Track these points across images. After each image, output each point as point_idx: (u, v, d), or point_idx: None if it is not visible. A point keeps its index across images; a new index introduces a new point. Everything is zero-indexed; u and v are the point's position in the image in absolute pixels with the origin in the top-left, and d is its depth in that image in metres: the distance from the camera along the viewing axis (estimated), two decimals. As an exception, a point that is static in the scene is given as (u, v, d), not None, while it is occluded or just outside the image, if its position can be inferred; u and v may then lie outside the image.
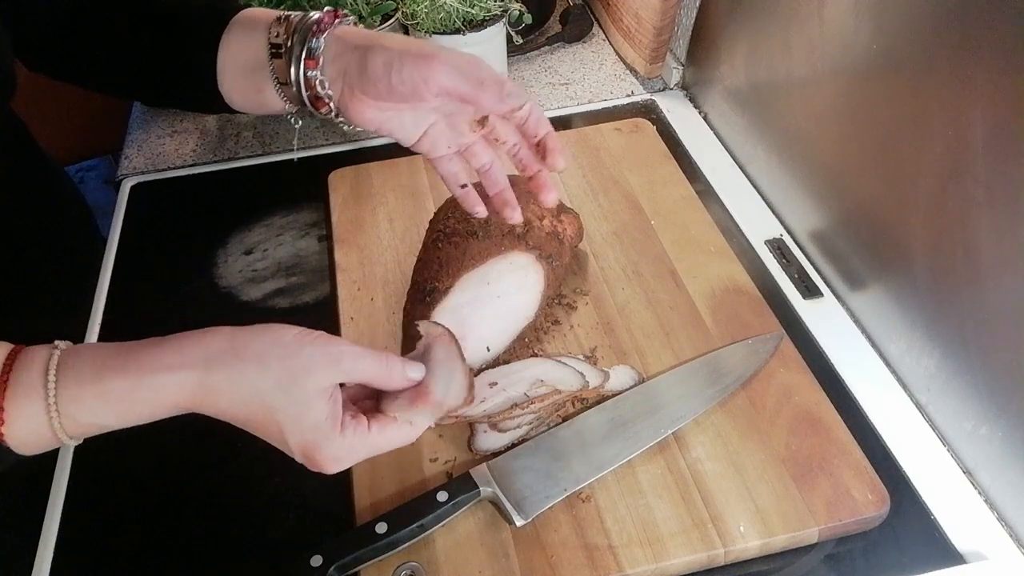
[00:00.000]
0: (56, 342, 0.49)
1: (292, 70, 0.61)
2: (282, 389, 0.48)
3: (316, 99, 0.62)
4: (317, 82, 0.61)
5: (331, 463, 0.51)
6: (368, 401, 0.55)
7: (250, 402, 0.49)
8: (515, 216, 0.65)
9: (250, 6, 0.89)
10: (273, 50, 0.62)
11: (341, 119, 0.63)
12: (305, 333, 0.51)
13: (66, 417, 0.47)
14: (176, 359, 0.48)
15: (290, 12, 0.63)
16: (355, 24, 0.63)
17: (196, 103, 0.72)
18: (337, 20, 0.61)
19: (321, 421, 0.49)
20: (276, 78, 0.63)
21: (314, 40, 0.60)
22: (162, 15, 0.68)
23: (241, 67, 0.65)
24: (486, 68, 0.57)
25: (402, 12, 0.96)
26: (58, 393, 0.47)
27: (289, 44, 0.61)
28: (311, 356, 0.49)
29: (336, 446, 0.50)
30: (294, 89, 0.62)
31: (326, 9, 0.62)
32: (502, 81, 0.56)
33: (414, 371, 0.53)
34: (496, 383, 0.66)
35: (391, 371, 0.52)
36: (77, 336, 0.77)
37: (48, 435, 0.47)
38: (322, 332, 0.51)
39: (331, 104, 0.61)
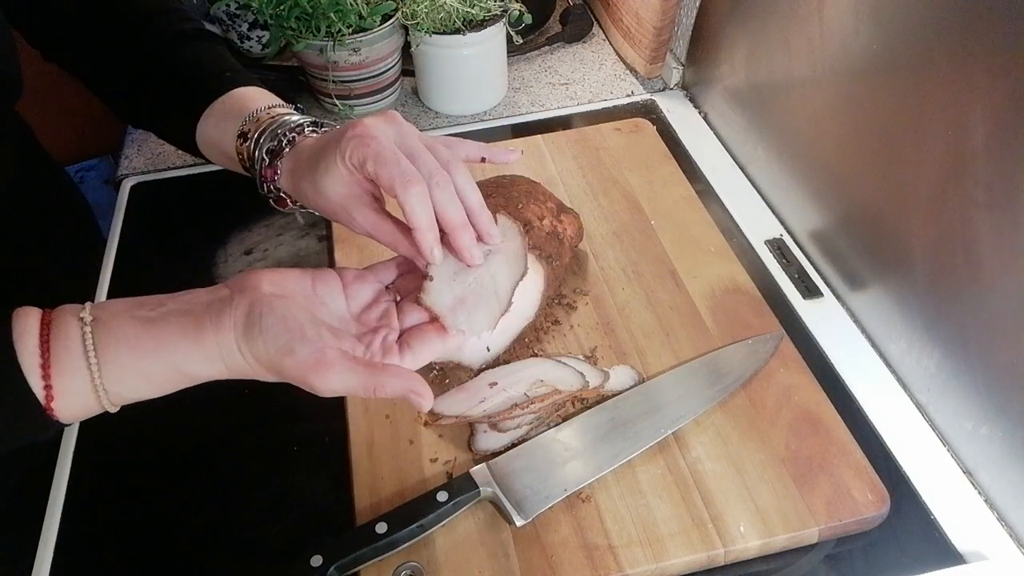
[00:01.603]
0: (80, 313, 0.50)
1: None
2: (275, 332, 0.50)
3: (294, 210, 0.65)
4: (289, 202, 0.63)
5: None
6: None
7: (273, 359, 0.50)
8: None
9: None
10: (245, 165, 0.64)
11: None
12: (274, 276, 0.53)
13: (112, 394, 0.50)
14: (200, 355, 0.50)
15: (247, 130, 0.63)
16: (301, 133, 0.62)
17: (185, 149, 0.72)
18: (277, 176, 0.62)
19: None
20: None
21: (269, 185, 0.62)
22: (158, 70, 0.69)
23: (222, 153, 0.67)
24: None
25: (402, 12, 0.96)
26: (102, 374, 0.49)
27: (253, 169, 0.63)
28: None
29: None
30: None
31: (273, 149, 0.62)
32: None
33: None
34: (496, 383, 0.66)
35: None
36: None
37: (95, 407, 0.50)
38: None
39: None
